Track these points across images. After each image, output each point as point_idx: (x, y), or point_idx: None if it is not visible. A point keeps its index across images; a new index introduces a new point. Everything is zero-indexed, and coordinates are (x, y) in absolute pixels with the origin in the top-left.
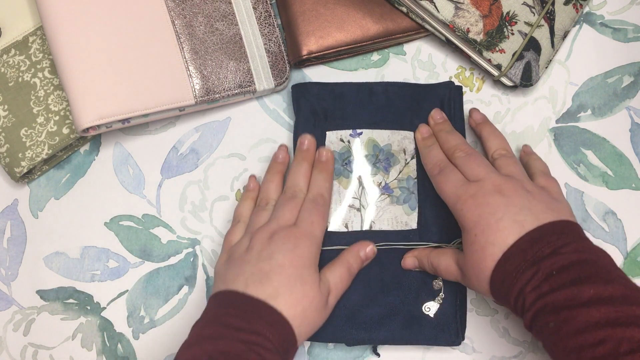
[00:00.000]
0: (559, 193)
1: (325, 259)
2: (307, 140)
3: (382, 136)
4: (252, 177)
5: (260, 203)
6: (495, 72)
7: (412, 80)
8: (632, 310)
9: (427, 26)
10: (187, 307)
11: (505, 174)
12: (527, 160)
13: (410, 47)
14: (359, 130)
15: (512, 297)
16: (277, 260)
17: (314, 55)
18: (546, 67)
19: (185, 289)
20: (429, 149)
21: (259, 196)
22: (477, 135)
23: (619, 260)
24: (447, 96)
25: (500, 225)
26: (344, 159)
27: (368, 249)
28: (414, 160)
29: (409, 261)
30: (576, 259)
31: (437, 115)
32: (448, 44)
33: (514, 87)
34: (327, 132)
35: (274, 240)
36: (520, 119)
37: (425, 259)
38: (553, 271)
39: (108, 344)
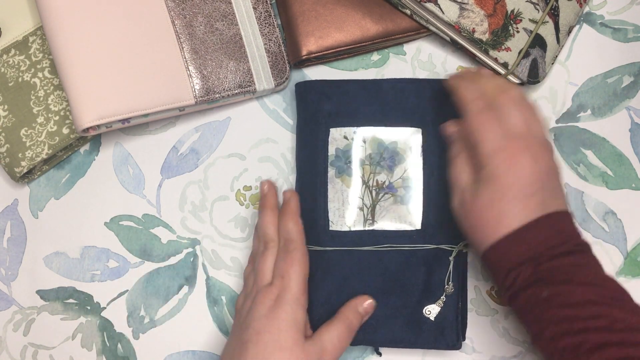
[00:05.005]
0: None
1: (329, 258)
2: (267, 185)
3: (388, 134)
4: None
5: (251, 261)
6: (502, 71)
7: None
8: (624, 297)
9: (432, 27)
10: (187, 307)
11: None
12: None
13: (410, 47)
14: (363, 128)
15: (510, 267)
16: (254, 329)
17: (313, 55)
18: (552, 63)
19: (185, 289)
20: (469, 80)
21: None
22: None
23: (619, 260)
24: None
25: (528, 202)
26: (348, 157)
27: (366, 304)
28: (421, 159)
29: (449, 131)
30: (578, 250)
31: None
32: (450, 44)
33: (521, 85)
34: (330, 129)
35: (251, 307)
36: None
37: (457, 150)
38: (557, 254)
39: (108, 344)
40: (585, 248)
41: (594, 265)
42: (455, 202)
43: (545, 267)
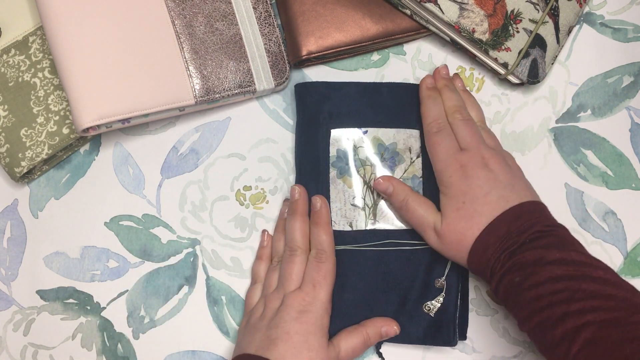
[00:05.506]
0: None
1: None
2: (297, 191)
3: (388, 135)
4: (264, 232)
5: (272, 262)
6: (502, 71)
7: (412, 80)
8: (589, 271)
9: (432, 27)
10: (187, 307)
11: (488, 145)
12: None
13: (410, 47)
14: (364, 129)
15: (490, 263)
16: (284, 329)
17: (313, 55)
18: (552, 63)
19: (185, 288)
20: (433, 101)
21: (271, 253)
22: None
23: (618, 260)
24: None
25: (487, 199)
26: (349, 158)
27: (391, 329)
28: (420, 159)
29: (384, 186)
30: (547, 232)
31: (443, 70)
32: (450, 44)
33: (521, 85)
34: (331, 130)
35: (281, 309)
36: (520, 119)
37: (402, 196)
38: (527, 239)
39: (108, 344)
40: (555, 229)
41: (566, 243)
42: (431, 239)
43: (518, 253)
